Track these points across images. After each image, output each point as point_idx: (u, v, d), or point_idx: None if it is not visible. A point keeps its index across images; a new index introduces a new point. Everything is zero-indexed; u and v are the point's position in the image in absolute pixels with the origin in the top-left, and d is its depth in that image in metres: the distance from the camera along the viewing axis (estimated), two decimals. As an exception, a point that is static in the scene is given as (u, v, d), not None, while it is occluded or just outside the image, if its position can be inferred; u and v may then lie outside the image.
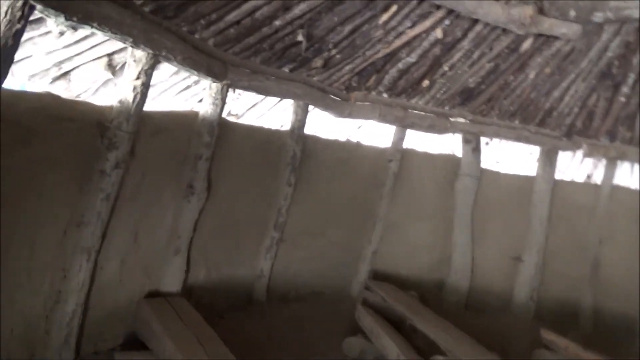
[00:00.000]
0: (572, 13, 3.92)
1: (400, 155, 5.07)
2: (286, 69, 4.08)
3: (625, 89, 4.77)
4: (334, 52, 4.08)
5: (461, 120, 5.16)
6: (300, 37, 3.69)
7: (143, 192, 3.10)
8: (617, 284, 5.19)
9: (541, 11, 3.96)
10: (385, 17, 3.86)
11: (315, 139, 4.65)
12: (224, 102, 3.64)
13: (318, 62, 4.10)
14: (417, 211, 5.17)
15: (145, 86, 2.78)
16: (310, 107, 4.55)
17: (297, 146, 4.39)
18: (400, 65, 4.45)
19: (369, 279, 4.90)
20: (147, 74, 2.75)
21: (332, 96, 4.51)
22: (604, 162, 5.56)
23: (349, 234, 4.90)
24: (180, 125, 3.41)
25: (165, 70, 3.48)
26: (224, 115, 3.96)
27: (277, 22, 3.45)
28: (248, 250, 4.24)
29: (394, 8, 3.79)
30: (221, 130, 3.72)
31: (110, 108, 2.72)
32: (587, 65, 4.61)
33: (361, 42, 4.07)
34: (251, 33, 3.45)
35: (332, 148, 4.77)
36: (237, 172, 3.99)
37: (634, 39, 4.32)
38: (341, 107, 4.59)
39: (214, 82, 3.54)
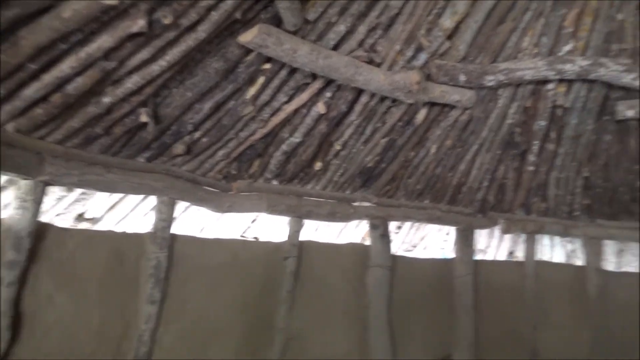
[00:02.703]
0: (462, 78, 3.56)
1: (298, 251, 4.28)
2: (141, 159, 3.30)
3: (532, 158, 4.44)
4: (197, 134, 3.36)
5: (365, 204, 4.56)
6: (144, 118, 2.95)
7: None
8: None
9: (429, 77, 3.56)
10: (252, 91, 3.25)
11: (188, 241, 3.76)
12: (38, 205, 2.75)
13: (179, 148, 3.35)
14: (324, 315, 4.29)
15: None
16: (186, 204, 3.77)
17: (162, 252, 3.48)
18: (284, 146, 3.81)
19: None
20: None
21: (206, 187, 3.73)
22: (523, 237, 5.14)
23: (240, 355, 3.90)
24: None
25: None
26: (68, 221, 3.06)
27: (107, 99, 2.71)
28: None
29: (260, 80, 3.20)
30: (41, 243, 2.80)
31: None
32: (489, 135, 4.25)
33: (230, 122, 3.40)
34: (72, 114, 2.67)
35: (212, 249, 3.89)
36: (71, 295, 2.99)
37: (531, 103, 4.03)
38: (220, 200, 3.81)
39: (24, 179, 2.67)
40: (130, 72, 2.65)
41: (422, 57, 3.46)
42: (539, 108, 4.05)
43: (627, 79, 3.57)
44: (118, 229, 3.76)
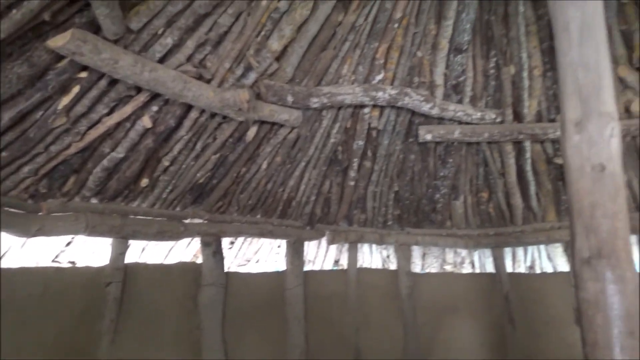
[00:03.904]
0: (290, 98, 3.73)
1: (123, 275, 3.98)
2: None
3: (352, 174, 4.84)
4: (-5, 148, 2.91)
5: (197, 221, 4.43)
6: None
7: None
8: (380, 373, 4.98)
9: (258, 96, 3.66)
10: (65, 101, 2.93)
11: (-18, 272, 3.22)
12: None
13: (-30, 164, 2.86)
14: (153, 341, 4.04)
15: None
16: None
17: (-54, 288, 2.91)
18: (105, 162, 3.50)
19: None
20: None
21: (8, 209, 3.22)
22: (346, 246, 5.55)
23: (52, 398, 3.44)
24: None
25: None
26: None
27: None
28: None
29: (75, 89, 2.90)
30: None
31: None
32: (315, 152, 4.52)
33: (38, 135, 3.00)
34: None
35: (17, 280, 3.40)
36: None
37: (350, 124, 4.41)
38: (26, 222, 3.30)
39: None
40: None
41: (252, 76, 3.53)
42: (357, 129, 4.45)
43: (426, 107, 4.15)
44: None
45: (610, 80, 1.94)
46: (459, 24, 3.89)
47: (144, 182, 3.88)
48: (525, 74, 4.20)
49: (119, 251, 4.02)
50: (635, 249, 5.23)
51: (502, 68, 4.29)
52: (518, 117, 4.45)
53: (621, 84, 4.16)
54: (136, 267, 4.13)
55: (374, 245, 5.88)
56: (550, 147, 4.65)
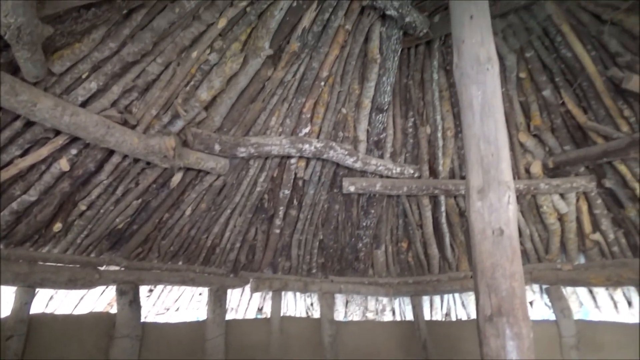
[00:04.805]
0: (217, 147, 3.75)
1: (27, 327, 3.67)
2: None
3: (278, 222, 4.88)
4: None
5: (114, 268, 4.23)
6: None
7: None
8: None
9: (185, 143, 3.65)
10: (-26, 141, 2.77)
11: None
12: None
13: None
14: (54, 402, 3.72)
15: None
16: None
17: None
18: (15, 205, 3.30)
19: None
20: None
21: None
22: (270, 294, 5.50)
23: None
24: None
25: None
26: None
27: None
28: None
29: (-15, 129, 2.76)
30: None
31: None
32: (241, 200, 4.53)
33: (-61, 175, 2.80)
34: None
35: None
36: None
37: (277, 174, 4.49)
38: None
39: None
40: None
41: (179, 123, 3.53)
42: (284, 178, 4.54)
43: (349, 161, 4.35)
44: None
45: (508, 153, 2.18)
46: (380, 86, 4.18)
47: (57, 226, 3.67)
48: (439, 134, 4.55)
49: (24, 301, 3.72)
50: (537, 296, 5.65)
51: (419, 128, 4.63)
52: (434, 173, 4.77)
53: (522, 148, 4.62)
54: (42, 318, 3.83)
55: (297, 293, 5.87)
56: (462, 201, 5.00)
